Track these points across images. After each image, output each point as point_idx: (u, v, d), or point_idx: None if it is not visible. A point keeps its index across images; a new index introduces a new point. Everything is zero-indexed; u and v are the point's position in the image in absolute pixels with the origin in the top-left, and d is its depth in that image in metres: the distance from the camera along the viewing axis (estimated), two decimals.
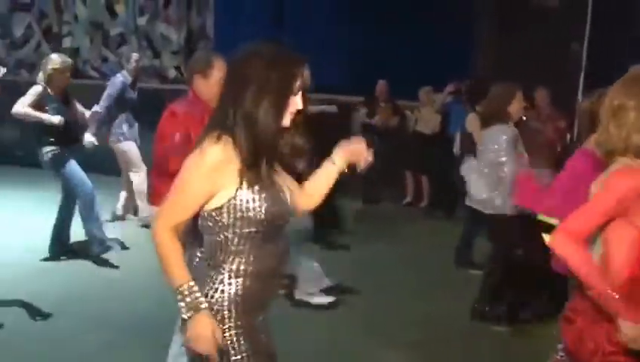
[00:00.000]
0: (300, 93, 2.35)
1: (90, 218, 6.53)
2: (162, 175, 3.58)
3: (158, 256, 2.30)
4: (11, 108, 6.18)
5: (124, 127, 7.70)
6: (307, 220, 5.47)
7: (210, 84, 3.88)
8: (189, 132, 3.64)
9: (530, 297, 5.44)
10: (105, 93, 7.58)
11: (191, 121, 3.72)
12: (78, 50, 11.85)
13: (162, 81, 11.28)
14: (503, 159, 5.08)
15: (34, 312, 5.23)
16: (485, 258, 5.70)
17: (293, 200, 2.47)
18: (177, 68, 11.25)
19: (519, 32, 8.58)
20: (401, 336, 5.10)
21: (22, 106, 6.14)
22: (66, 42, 11.90)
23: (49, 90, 6.21)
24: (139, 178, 7.74)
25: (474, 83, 7.47)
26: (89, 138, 6.73)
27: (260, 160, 2.27)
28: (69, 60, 6.48)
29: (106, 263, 6.47)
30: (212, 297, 2.32)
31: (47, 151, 6.23)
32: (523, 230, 5.04)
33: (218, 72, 3.82)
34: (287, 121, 2.33)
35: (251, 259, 2.32)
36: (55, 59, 6.29)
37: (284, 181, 2.45)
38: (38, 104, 6.17)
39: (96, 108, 6.83)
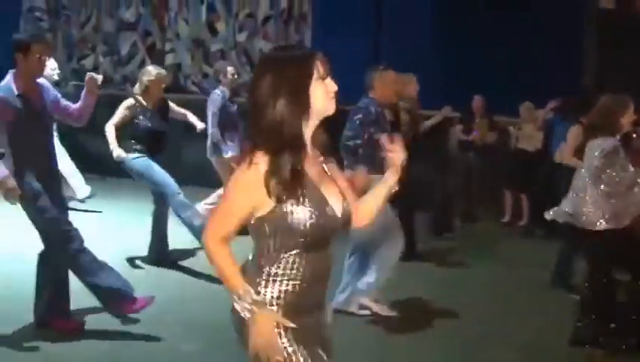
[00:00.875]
0: (329, 79, 2.34)
1: (184, 211, 6.49)
2: None
3: (213, 265, 2.36)
4: (107, 119, 6.46)
5: (226, 140, 7.79)
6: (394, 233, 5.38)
7: None
8: None
9: (636, 322, 5.14)
10: (209, 113, 7.71)
11: None
12: (180, 66, 12.24)
13: None
14: (602, 171, 4.87)
15: (132, 319, 5.32)
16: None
17: (347, 210, 2.43)
18: None
19: (624, 46, 8.25)
20: (494, 361, 4.94)
21: (109, 125, 6.42)
22: (169, 59, 12.30)
23: (143, 101, 6.42)
24: None
25: (581, 97, 7.21)
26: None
27: (287, 162, 2.24)
28: (164, 72, 6.72)
29: (203, 272, 6.56)
30: None
31: (133, 157, 6.44)
32: (622, 246, 4.80)
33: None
34: (316, 115, 2.33)
35: (295, 266, 2.32)
36: (150, 71, 6.54)
37: (335, 190, 2.41)
38: (130, 116, 6.39)
39: (200, 126, 7.02)
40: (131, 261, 6.80)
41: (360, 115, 5.39)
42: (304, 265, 2.32)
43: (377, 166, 5.23)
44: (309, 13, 11.29)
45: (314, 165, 2.37)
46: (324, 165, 2.44)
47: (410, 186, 6.64)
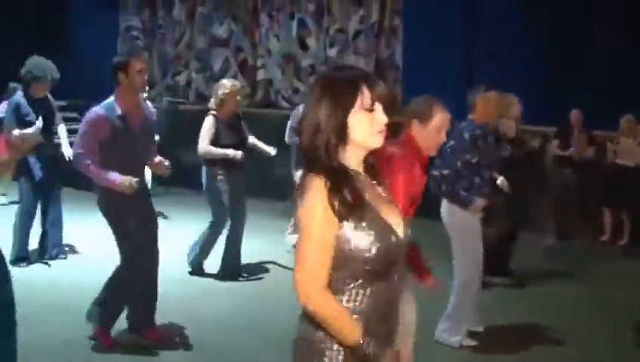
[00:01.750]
0: (378, 111, 2.17)
1: (228, 244, 6.76)
2: None
3: (322, 322, 2.13)
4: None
5: None
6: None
7: (426, 131, 3.83)
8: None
9: None
10: (289, 127, 7.75)
11: (400, 164, 3.57)
12: (271, 81, 12.37)
13: None
14: None
15: (203, 330, 5.42)
16: None
17: (409, 234, 2.30)
18: None
19: None
20: None
21: (203, 146, 6.46)
22: (260, 74, 12.46)
23: (218, 114, 6.46)
24: None
25: None
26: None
27: (339, 184, 2.10)
28: (238, 84, 6.76)
29: (274, 287, 6.58)
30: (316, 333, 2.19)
31: (212, 174, 6.48)
32: None
33: (437, 121, 3.80)
34: (368, 140, 2.18)
35: (359, 297, 2.15)
36: (225, 84, 6.60)
37: (395, 214, 2.26)
38: (215, 132, 6.46)
39: (271, 151, 7.08)
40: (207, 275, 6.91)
41: (452, 142, 5.18)
42: (369, 296, 2.17)
43: (476, 191, 5.15)
44: (399, 27, 11.20)
45: (370, 190, 2.23)
46: (380, 189, 2.30)
47: (509, 208, 6.54)
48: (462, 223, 5.14)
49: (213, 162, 6.53)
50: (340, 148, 2.16)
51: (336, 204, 2.09)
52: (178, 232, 7.89)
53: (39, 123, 5.69)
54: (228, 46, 12.86)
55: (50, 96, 6.98)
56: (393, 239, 2.19)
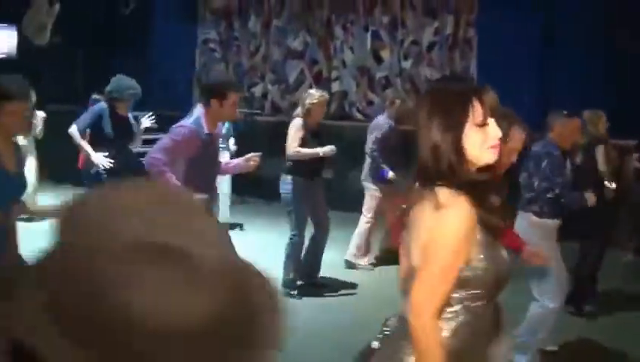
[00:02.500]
0: (491, 125, 2.07)
1: (308, 254, 6.83)
2: None
3: (416, 343, 2.04)
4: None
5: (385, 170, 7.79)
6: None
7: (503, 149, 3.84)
8: None
9: None
10: (371, 137, 7.76)
11: None
12: (346, 93, 12.47)
13: None
14: None
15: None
16: None
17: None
18: None
19: None
20: None
21: (292, 149, 6.51)
22: (335, 86, 12.58)
23: (306, 122, 6.56)
24: (366, 225, 7.78)
25: None
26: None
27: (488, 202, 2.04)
28: (326, 94, 6.86)
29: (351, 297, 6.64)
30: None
31: (296, 183, 6.51)
32: None
33: (514, 143, 3.76)
34: (482, 157, 2.09)
35: (462, 324, 2.07)
36: (314, 94, 6.74)
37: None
38: (302, 137, 6.55)
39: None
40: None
41: (546, 161, 5.22)
42: (475, 317, 2.09)
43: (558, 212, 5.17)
44: (474, 39, 11.16)
45: None
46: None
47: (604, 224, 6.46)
48: (540, 240, 5.12)
49: (297, 171, 6.55)
50: (464, 164, 2.08)
51: (483, 224, 2.01)
52: (254, 243, 8.00)
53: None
54: (303, 58, 13.05)
55: (130, 116, 7.22)
56: (503, 261, 2.13)
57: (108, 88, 7.02)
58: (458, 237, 2.00)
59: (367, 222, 7.76)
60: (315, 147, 6.60)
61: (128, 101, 7.04)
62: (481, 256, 2.06)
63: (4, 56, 19.34)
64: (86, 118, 6.88)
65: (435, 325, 2.03)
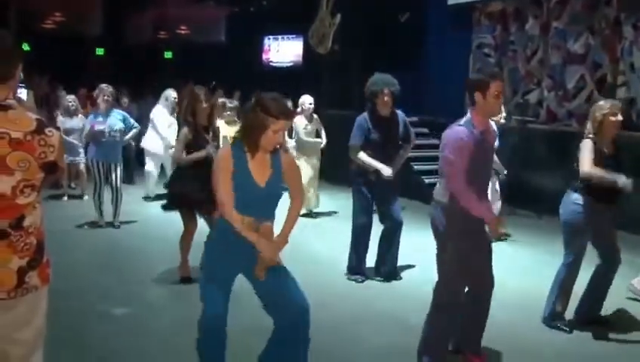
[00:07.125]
0: None
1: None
2: None
3: None
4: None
5: None
6: None
7: None
8: None
9: None
10: None
11: None
12: (634, 100, 11.32)
13: None
14: None
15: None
16: None
17: None
18: None
19: None
20: None
21: (589, 170, 5.59)
22: (620, 93, 11.46)
23: (596, 139, 5.78)
24: None
25: None
26: None
27: None
28: (619, 104, 6.02)
29: None
30: None
31: (584, 204, 5.77)
32: None
33: None
34: None
35: None
36: (603, 105, 5.83)
37: None
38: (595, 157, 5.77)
39: None
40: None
41: None
42: None
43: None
44: None
45: None
46: None
47: None
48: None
49: (591, 191, 5.66)
50: None
51: None
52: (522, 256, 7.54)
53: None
54: (584, 62, 12.14)
55: (399, 112, 7.04)
56: None
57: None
58: None
59: None
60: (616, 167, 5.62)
61: (382, 94, 6.75)
62: None
63: (291, 64, 20.78)
64: (355, 133, 6.86)
65: None
